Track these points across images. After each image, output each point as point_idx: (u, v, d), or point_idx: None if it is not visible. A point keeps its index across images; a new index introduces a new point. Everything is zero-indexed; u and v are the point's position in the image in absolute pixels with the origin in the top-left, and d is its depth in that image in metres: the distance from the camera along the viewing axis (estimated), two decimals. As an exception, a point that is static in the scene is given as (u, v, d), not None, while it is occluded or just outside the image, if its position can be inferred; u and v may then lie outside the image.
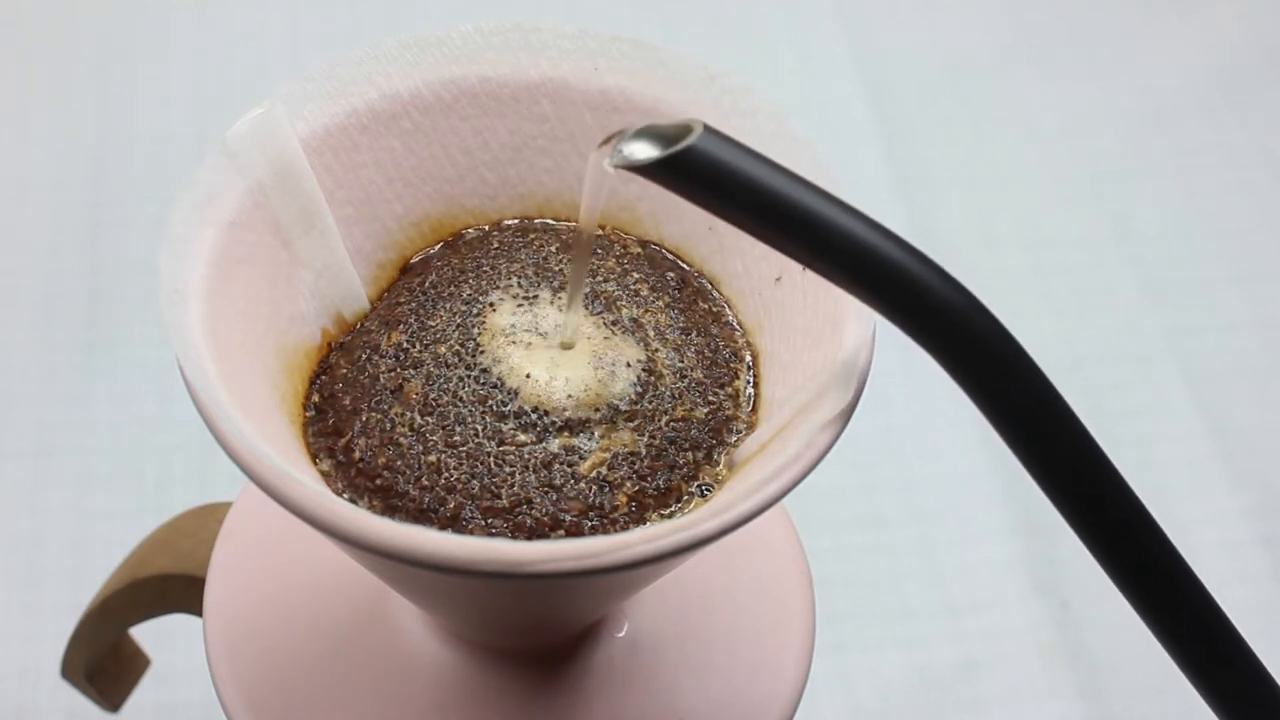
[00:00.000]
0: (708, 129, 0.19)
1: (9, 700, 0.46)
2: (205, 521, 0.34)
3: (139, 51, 0.65)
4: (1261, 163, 0.65)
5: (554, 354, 0.24)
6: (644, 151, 0.20)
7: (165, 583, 0.34)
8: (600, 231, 0.28)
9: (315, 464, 0.24)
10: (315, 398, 0.25)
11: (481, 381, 0.24)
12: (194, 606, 0.33)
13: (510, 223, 0.28)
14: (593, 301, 0.26)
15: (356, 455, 0.23)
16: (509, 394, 0.24)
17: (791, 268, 0.25)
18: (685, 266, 0.27)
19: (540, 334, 0.25)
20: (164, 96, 0.63)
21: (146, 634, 0.39)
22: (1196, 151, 0.66)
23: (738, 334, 0.26)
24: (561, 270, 0.26)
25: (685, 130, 0.19)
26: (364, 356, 0.25)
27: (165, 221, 0.23)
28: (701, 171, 0.19)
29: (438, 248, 0.27)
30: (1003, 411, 0.20)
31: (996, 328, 0.20)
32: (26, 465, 0.51)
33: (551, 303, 0.26)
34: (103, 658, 0.38)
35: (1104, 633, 0.50)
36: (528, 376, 0.24)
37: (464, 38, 0.26)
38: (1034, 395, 0.20)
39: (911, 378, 0.55)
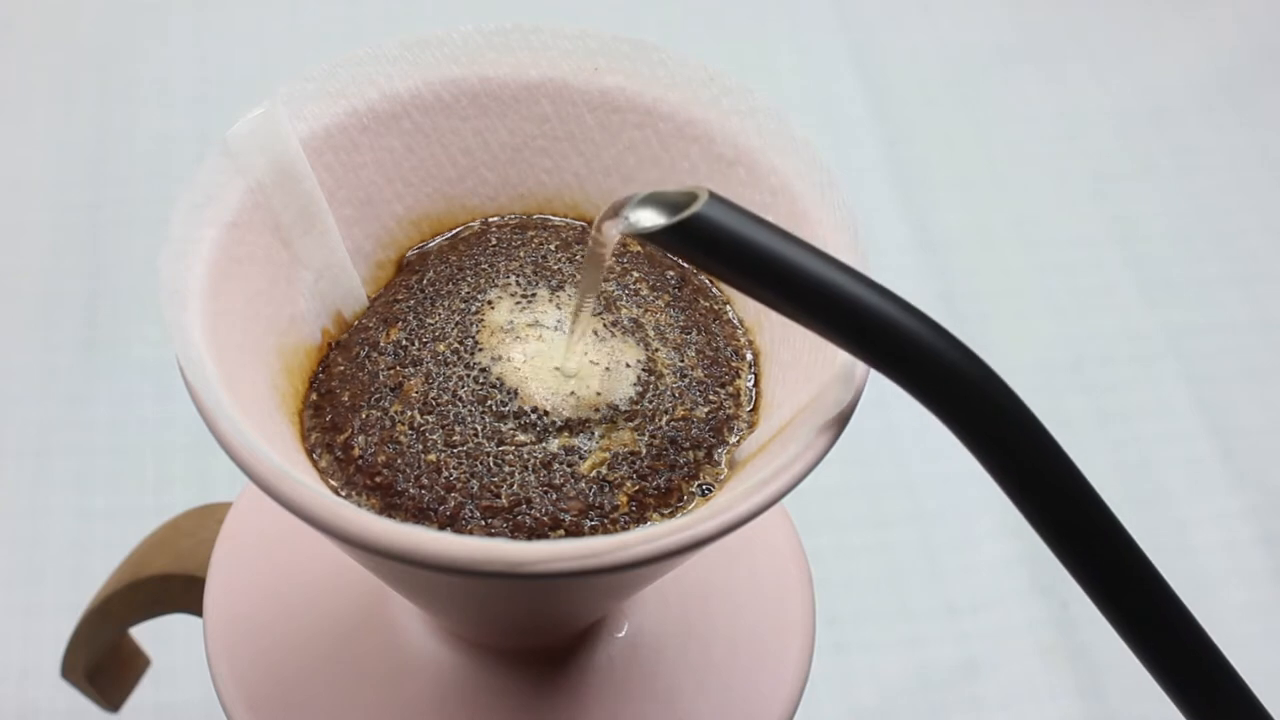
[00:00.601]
0: (713, 196, 0.19)
1: (9, 700, 0.46)
2: (205, 521, 0.34)
3: (139, 51, 0.65)
4: (1261, 163, 0.65)
5: (553, 354, 0.24)
6: (650, 219, 0.20)
7: (165, 583, 0.34)
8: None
9: (313, 460, 0.24)
10: (313, 395, 0.25)
11: (481, 381, 0.24)
12: (194, 606, 0.33)
13: (510, 218, 0.28)
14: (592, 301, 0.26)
15: (355, 452, 0.23)
16: (509, 394, 0.24)
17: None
18: (685, 264, 0.27)
19: (539, 333, 0.25)
20: (164, 96, 0.63)
21: (146, 634, 0.39)
22: (1196, 151, 0.66)
23: (739, 331, 0.26)
24: (560, 269, 0.26)
25: (691, 198, 0.20)
26: (362, 353, 0.25)
27: (165, 222, 0.23)
28: (707, 238, 0.19)
29: (435, 243, 0.27)
30: (1016, 482, 0.21)
31: (1002, 390, 0.20)
32: (26, 465, 0.51)
33: (550, 300, 0.26)
34: (103, 658, 0.38)
35: (1104, 633, 0.49)
36: (527, 377, 0.24)
37: (464, 38, 0.26)
38: (1044, 465, 0.20)
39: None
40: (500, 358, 0.24)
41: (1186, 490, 0.54)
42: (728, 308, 0.26)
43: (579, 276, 0.26)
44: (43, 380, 0.54)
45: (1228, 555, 0.52)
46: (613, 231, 0.21)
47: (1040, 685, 0.49)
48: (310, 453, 0.24)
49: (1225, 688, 0.22)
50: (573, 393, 0.24)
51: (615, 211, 0.21)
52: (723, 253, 0.20)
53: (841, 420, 0.21)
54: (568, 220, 0.28)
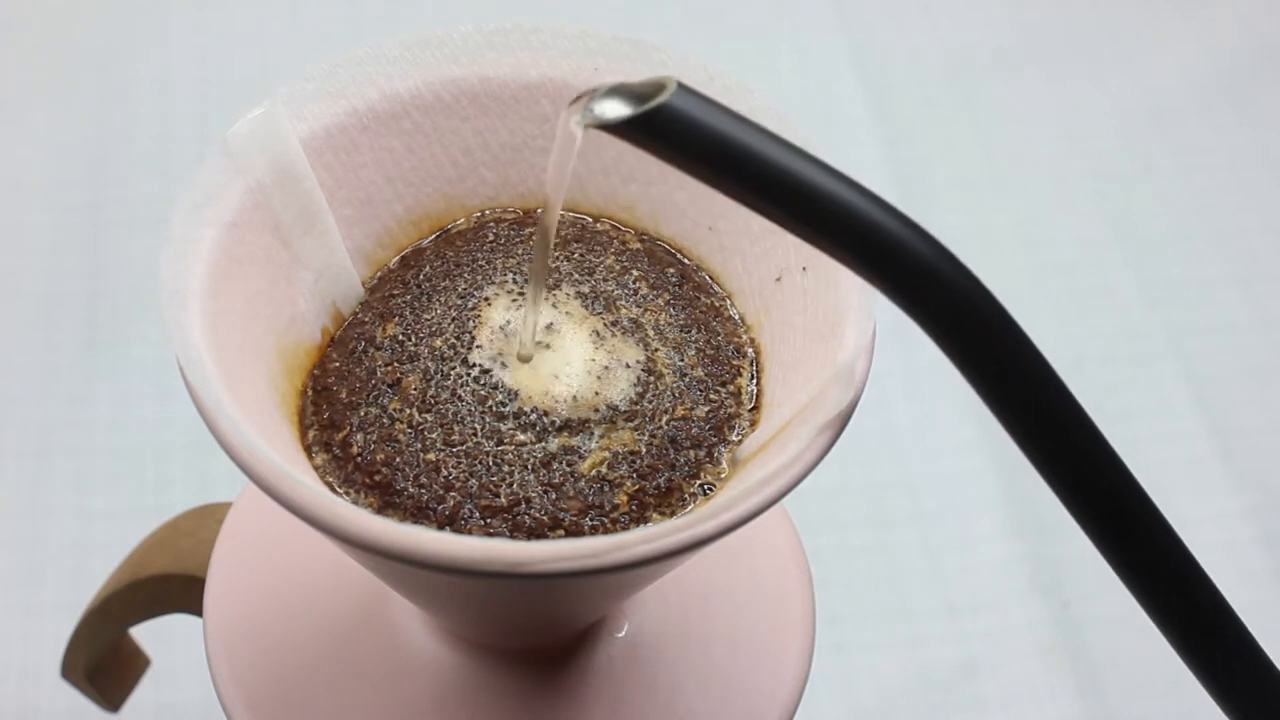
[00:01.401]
0: (681, 86, 0.19)
1: (9, 700, 0.46)
2: (205, 521, 0.34)
3: (139, 51, 0.65)
4: (1261, 163, 0.65)
5: (554, 353, 0.24)
6: (615, 110, 0.19)
7: (165, 583, 0.34)
8: (598, 226, 0.28)
9: (310, 457, 0.24)
10: (309, 391, 0.25)
11: (481, 382, 0.24)
12: (194, 606, 0.33)
13: (508, 213, 0.28)
14: (592, 302, 0.26)
15: (354, 450, 0.23)
16: (508, 394, 0.24)
17: (792, 267, 0.25)
18: (685, 261, 0.27)
19: (529, 331, 0.25)
20: (164, 97, 0.63)
21: (146, 634, 0.39)
22: (1196, 151, 0.66)
23: (740, 329, 0.26)
24: (556, 266, 0.26)
25: (658, 88, 0.19)
26: (359, 348, 0.25)
27: (165, 222, 0.23)
28: (675, 130, 0.18)
29: (431, 240, 0.27)
30: (982, 373, 0.20)
31: (972, 284, 0.19)
32: (26, 465, 0.51)
33: (544, 299, 0.26)
34: (103, 658, 0.38)
35: (1104, 633, 0.50)
36: (527, 378, 0.24)
37: (464, 38, 0.26)
38: (1015, 353, 0.20)
39: (911, 378, 0.55)
40: (499, 357, 0.24)
41: (1186, 490, 0.54)
42: (728, 303, 0.26)
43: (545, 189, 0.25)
44: (43, 380, 0.54)
45: (1228, 555, 0.52)
46: (575, 126, 0.20)
47: (1040, 685, 0.49)
48: (308, 450, 0.24)
49: (1195, 586, 0.22)
50: (572, 395, 0.24)
51: (580, 105, 0.20)
52: (691, 145, 0.18)
53: (841, 420, 0.21)
54: (572, 214, 0.28)
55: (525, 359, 0.24)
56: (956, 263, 0.19)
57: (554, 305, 0.25)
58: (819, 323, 0.24)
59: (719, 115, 0.19)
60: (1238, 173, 0.65)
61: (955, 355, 0.20)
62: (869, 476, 0.54)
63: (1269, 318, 0.60)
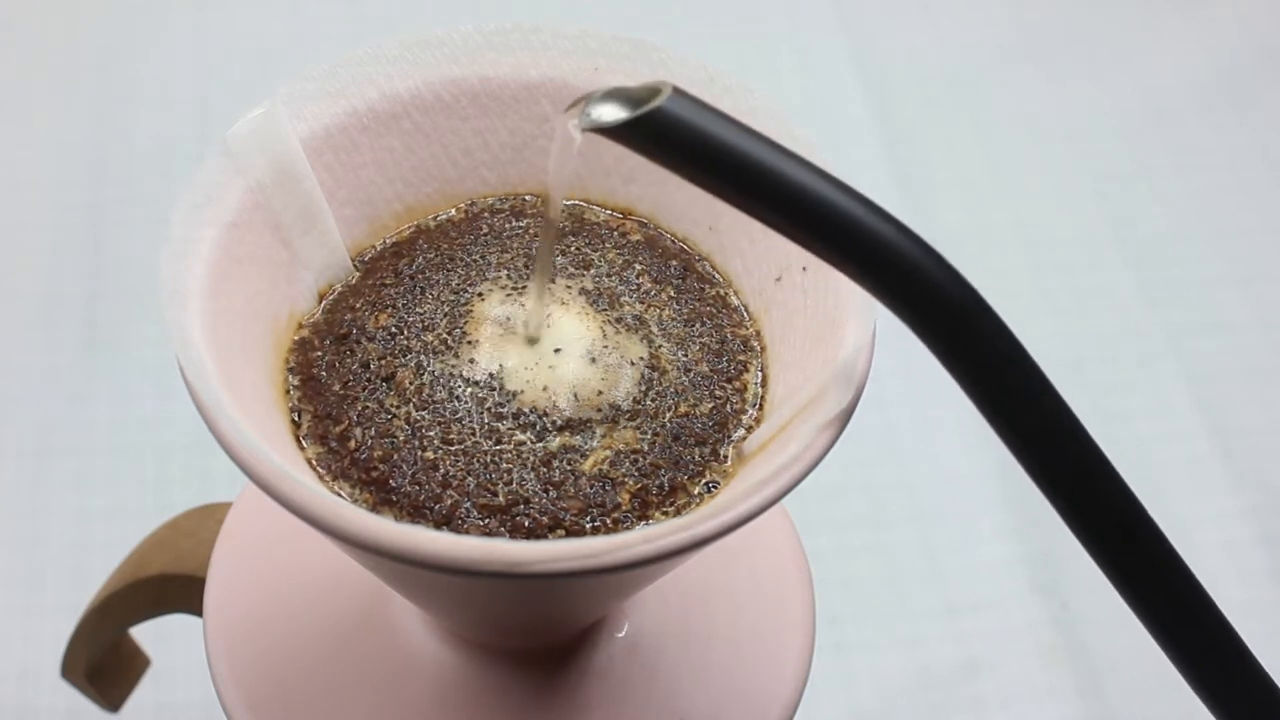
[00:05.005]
0: (677, 91, 0.19)
1: (9, 700, 0.46)
2: (205, 521, 0.34)
3: (139, 51, 0.65)
4: (1261, 163, 0.65)
5: (555, 352, 0.24)
6: (612, 114, 0.19)
7: (165, 583, 0.34)
8: (597, 217, 0.28)
9: (301, 447, 0.24)
10: (294, 379, 0.25)
11: (480, 383, 0.24)
12: (194, 606, 0.33)
13: (505, 202, 0.28)
14: (596, 299, 0.26)
15: (352, 445, 0.23)
16: (507, 395, 0.24)
17: (792, 267, 0.25)
18: (688, 251, 0.27)
19: (532, 329, 0.25)
20: (164, 96, 0.63)
21: (146, 634, 0.39)
22: (1196, 151, 0.66)
23: (746, 320, 0.26)
24: (555, 261, 0.26)
25: (654, 92, 0.19)
26: (350, 335, 0.25)
27: (166, 222, 0.23)
28: (670, 134, 0.19)
29: (434, 222, 0.27)
30: (969, 370, 0.20)
31: (956, 281, 0.19)
32: (26, 465, 0.51)
33: (540, 296, 0.25)
34: (103, 658, 0.38)
35: (1104, 633, 0.50)
36: (527, 379, 0.24)
37: (464, 38, 0.26)
38: (1001, 353, 0.20)
39: (911, 377, 0.55)
40: (496, 355, 0.24)
41: (1186, 490, 0.54)
42: (731, 293, 0.26)
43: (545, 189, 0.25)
44: (43, 380, 0.54)
45: (1228, 555, 0.52)
46: (574, 129, 0.21)
47: (1040, 685, 0.49)
48: (299, 440, 0.24)
49: (1194, 605, 0.22)
50: (574, 394, 0.24)
51: (577, 109, 0.20)
52: (685, 148, 0.19)
53: (842, 420, 0.21)
54: (565, 202, 0.28)
55: (532, 341, 0.24)
56: (943, 262, 0.19)
57: (561, 303, 0.25)
58: (819, 323, 0.24)
59: (713, 119, 0.19)
60: (1238, 173, 0.65)
61: (940, 352, 0.20)
62: (869, 476, 0.54)
63: (1269, 318, 0.60)
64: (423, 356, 0.24)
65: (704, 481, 0.24)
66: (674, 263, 0.27)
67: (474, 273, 0.26)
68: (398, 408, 0.24)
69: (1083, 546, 0.21)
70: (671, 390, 0.24)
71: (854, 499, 0.53)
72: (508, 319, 0.25)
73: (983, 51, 0.69)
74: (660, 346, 0.25)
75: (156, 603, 0.34)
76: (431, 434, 0.23)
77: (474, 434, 0.23)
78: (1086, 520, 0.21)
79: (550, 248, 0.24)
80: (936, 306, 0.19)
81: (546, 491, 0.23)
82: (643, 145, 0.19)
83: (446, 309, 0.25)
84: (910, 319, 0.20)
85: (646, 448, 0.24)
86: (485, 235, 0.27)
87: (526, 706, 0.28)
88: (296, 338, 0.25)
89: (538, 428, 0.23)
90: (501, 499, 0.23)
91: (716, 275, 0.27)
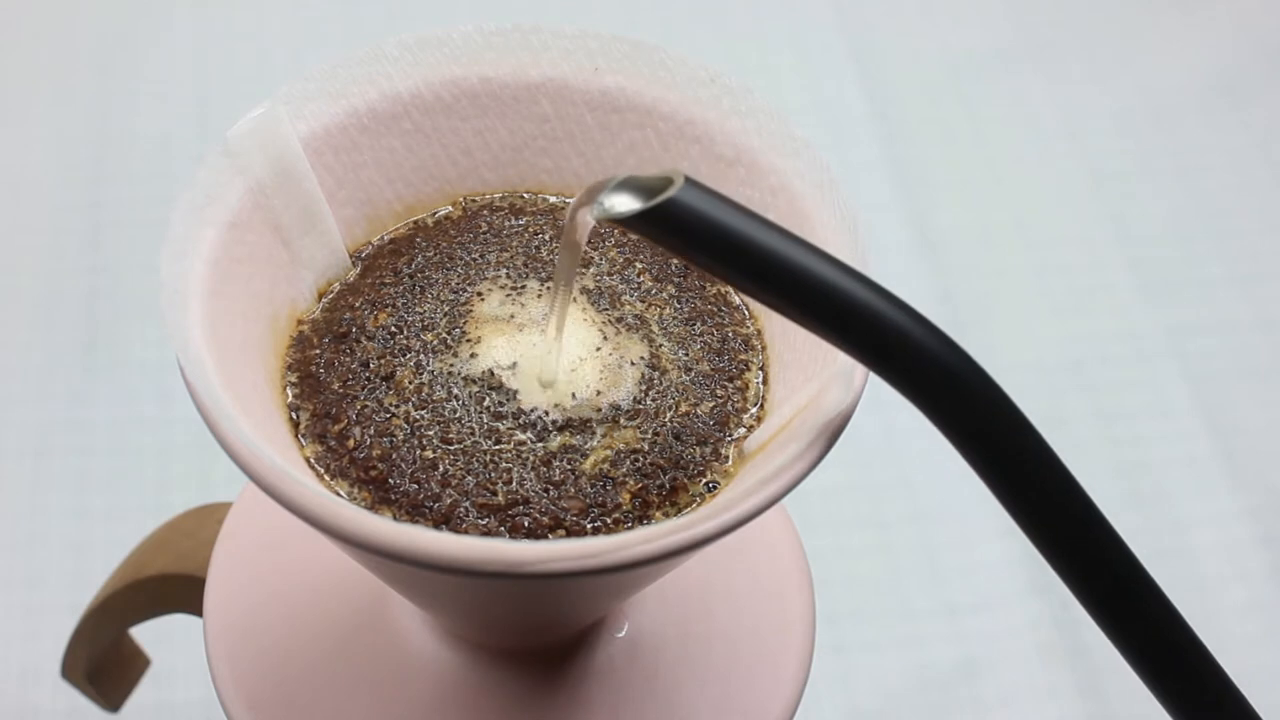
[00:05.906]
0: (689, 181, 0.19)
1: (9, 700, 0.46)
2: (205, 521, 0.34)
3: (139, 51, 0.65)
4: (1261, 163, 0.65)
5: (553, 353, 0.24)
6: (625, 204, 0.20)
7: (165, 583, 0.34)
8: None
9: (299, 445, 0.24)
10: (291, 376, 0.25)
11: (480, 382, 0.24)
12: (194, 606, 0.33)
13: (502, 199, 0.28)
14: (597, 298, 0.26)
15: (351, 444, 0.23)
16: (507, 394, 0.24)
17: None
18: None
19: (532, 329, 0.25)
20: (164, 96, 0.63)
21: (146, 634, 0.39)
22: (1196, 151, 0.66)
23: (747, 319, 0.26)
24: (552, 259, 0.26)
25: (667, 182, 0.19)
26: (349, 334, 0.25)
27: (166, 222, 0.23)
28: (683, 224, 0.19)
29: (432, 219, 0.27)
30: (1001, 477, 0.20)
31: (977, 373, 0.20)
32: (26, 465, 0.51)
33: (539, 295, 0.26)
34: (103, 658, 0.38)
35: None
36: (527, 379, 0.24)
37: (464, 38, 0.26)
38: (1027, 459, 0.20)
39: (911, 378, 0.55)
40: (496, 355, 0.24)
41: (1186, 490, 0.54)
42: (732, 291, 0.26)
43: (555, 264, 0.25)
44: (43, 380, 0.54)
45: (1227, 555, 0.52)
46: (588, 217, 0.21)
47: (1040, 685, 0.49)
48: (298, 437, 0.24)
49: (1215, 689, 0.22)
50: (573, 394, 0.24)
51: (590, 197, 0.21)
52: (698, 239, 0.19)
53: (842, 421, 0.21)
54: (562, 199, 0.28)
55: (547, 385, 0.24)
56: (964, 355, 0.20)
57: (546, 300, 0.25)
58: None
59: (726, 210, 0.19)
60: (1238, 173, 0.65)
61: (956, 440, 0.20)
62: (869, 476, 0.54)
63: (1269, 318, 0.60)
64: (422, 355, 0.24)
65: (705, 481, 0.24)
66: (675, 261, 0.27)
67: (473, 272, 0.26)
68: (397, 406, 0.24)
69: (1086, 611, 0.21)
70: (672, 389, 0.24)
71: (854, 499, 0.53)
72: (510, 318, 0.25)
73: (982, 51, 0.69)
74: (661, 345, 0.25)
75: (156, 603, 0.34)
76: (431, 433, 0.23)
77: (473, 433, 0.23)
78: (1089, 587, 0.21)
79: (562, 328, 0.24)
80: (970, 414, 0.20)
81: (546, 491, 0.23)
82: (656, 235, 0.19)
83: (446, 308, 0.25)
84: (945, 427, 0.20)
85: (647, 447, 0.24)
86: (484, 234, 0.27)
87: (526, 706, 0.28)
88: (295, 335, 0.25)
89: (538, 427, 0.23)
90: (501, 498, 0.23)
91: None
